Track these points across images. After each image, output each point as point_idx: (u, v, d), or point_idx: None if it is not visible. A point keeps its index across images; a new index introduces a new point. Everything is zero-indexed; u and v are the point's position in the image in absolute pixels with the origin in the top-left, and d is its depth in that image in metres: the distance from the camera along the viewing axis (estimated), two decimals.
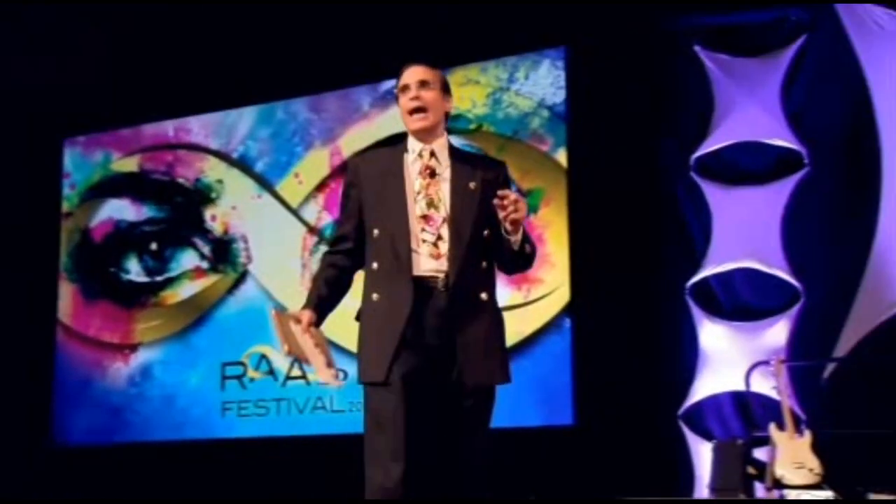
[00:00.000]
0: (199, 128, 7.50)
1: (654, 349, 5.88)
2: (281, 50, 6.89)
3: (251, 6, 6.78)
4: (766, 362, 5.37)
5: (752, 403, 5.53)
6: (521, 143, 6.42)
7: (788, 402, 5.02)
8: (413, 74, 3.09)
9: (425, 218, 3.00)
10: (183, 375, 7.21)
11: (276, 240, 7.11)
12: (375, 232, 3.04)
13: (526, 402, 6.03)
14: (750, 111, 5.88)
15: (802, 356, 5.55)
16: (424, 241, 2.98)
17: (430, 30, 6.36)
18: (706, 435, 5.71)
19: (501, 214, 2.89)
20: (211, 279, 7.28)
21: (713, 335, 5.80)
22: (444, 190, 3.04)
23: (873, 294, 5.44)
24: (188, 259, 7.38)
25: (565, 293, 6.14)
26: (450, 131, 6.70)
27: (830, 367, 5.49)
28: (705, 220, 5.92)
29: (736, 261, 5.82)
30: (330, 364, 3.03)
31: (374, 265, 3.03)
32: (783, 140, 5.80)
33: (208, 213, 7.37)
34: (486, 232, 3.02)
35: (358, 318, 3.08)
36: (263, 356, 6.96)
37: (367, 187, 3.09)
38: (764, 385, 5.45)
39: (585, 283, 6.07)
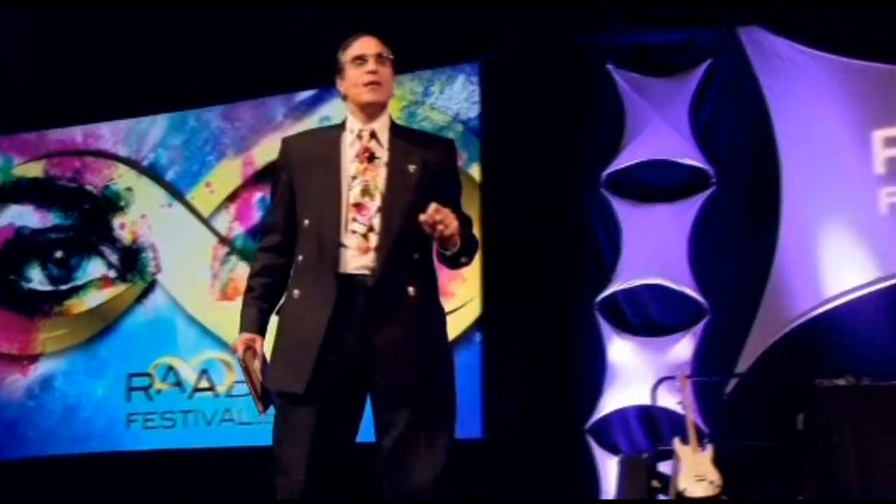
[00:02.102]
0: (109, 134, 7.36)
1: (563, 364, 5.93)
2: (194, 58, 6.80)
3: (166, 12, 6.68)
4: (671, 377, 5.47)
5: (658, 418, 5.63)
6: None
7: (692, 417, 5.12)
8: (369, 46, 2.84)
9: (357, 207, 2.71)
10: (87, 386, 7.03)
11: (186, 249, 7.00)
12: (306, 222, 2.74)
13: None
14: (660, 130, 6.00)
15: (707, 371, 5.67)
16: (354, 232, 2.69)
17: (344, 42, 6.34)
18: (613, 449, 5.78)
19: (433, 236, 2.65)
20: (119, 288, 7.13)
21: (621, 350, 5.88)
22: (381, 175, 2.75)
23: (773, 311, 5.59)
24: (95, 268, 7.22)
25: (476, 307, 6.16)
26: None
27: (732, 382, 5.61)
28: (615, 237, 6.01)
29: (644, 277, 5.92)
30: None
31: (300, 258, 2.75)
32: (691, 159, 5.92)
33: (117, 222, 7.22)
34: (420, 218, 2.68)
35: (278, 312, 2.81)
36: (171, 367, 6.84)
37: (299, 171, 2.80)
38: (670, 400, 5.55)
39: (496, 298, 6.10)
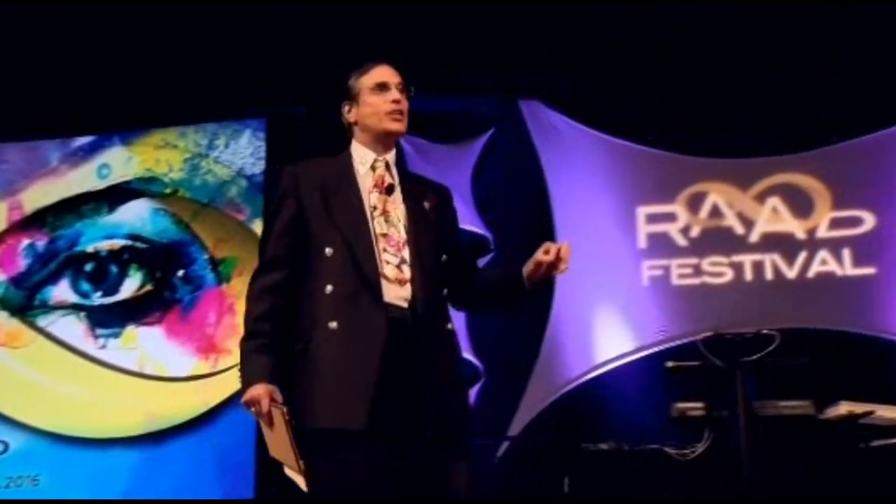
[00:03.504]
0: None
1: None
2: None
3: None
4: None
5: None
6: (217, 211, 6.33)
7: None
8: (392, 74, 2.76)
9: (385, 237, 2.61)
10: None
11: None
12: (328, 251, 2.58)
13: (208, 475, 5.88)
14: None
15: (481, 434, 5.77)
16: (388, 262, 2.58)
17: (127, 91, 6.19)
18: None
19: (553, 270, 2.61)
20: None
21: None
22: (400, 209, 2.67)
23: (545, 376, 5.78)
24: None
25: None
26: (142, 194, 6.55)
27: (504, 445, 5.74)
28: None
29: None
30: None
31: (329, 288, 2.55)
32: (472, 225, 6.07)
33: None
34: (443, 257, 2.68)
35: (300, 351, 2.55)
36: None
37: (313, 199, 2.63)
38: None
39: None
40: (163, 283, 6.29)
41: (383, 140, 2.74)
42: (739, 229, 5.79)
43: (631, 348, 5.62)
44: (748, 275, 5.72)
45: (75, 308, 6.38)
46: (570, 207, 5.92)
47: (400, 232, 2.63)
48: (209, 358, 6.10)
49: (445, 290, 2.68)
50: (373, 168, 2.71)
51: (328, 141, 5.94)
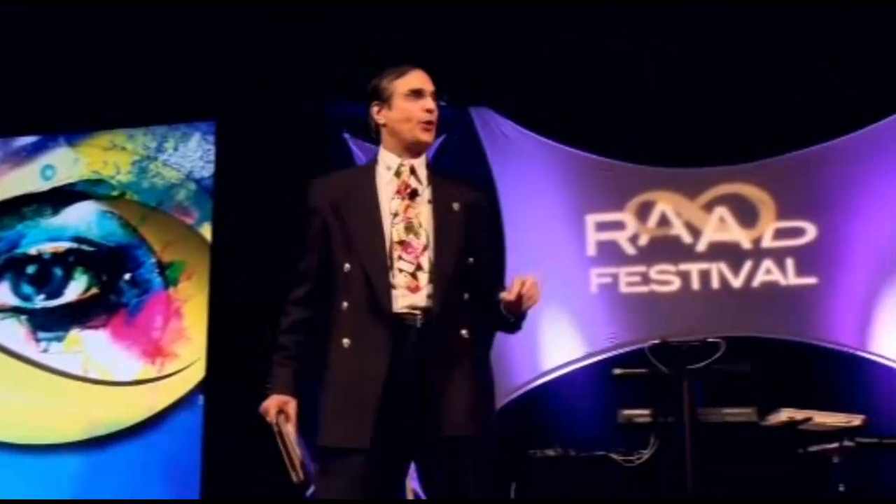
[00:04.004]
0: None
1: None
2: None
3: None
4: None
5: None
6: (165, 215, 6.28)
7: (412, 485, 5.19)
8: (428, 81, 2.69)
9: (403, 244, 2.56)
10: None
11: None
12: (346, 266, 2.57)
13: (153, 481, 5.82)
14: None
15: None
16: (401, 270, 2.54)
17: (73, 91, 6.13)
18: None
19: (522, 305, 2.52)
20: None
21: None
22: (424, 213, 2.60)
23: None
24: None
25: (200, 369, 6.01)
26: (88, 196, 6.49)
27: None
28: None
29: None
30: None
31: (345, 304, 2.56)
32: None
33: None
34: (470, 259, 2.60)
35: (321, 366, 2.60)
36: None
37: (334, 214, 2.62)
38: None
39: (221, 361, 5.98)
40: (109, 287, 6.22)
41: (411, 147, 2.67)
42: (687, 238, 5.86)
43: (579, 355, 5.66)
44: (695, 283, 5.78)
45: (16, 311, 6.29)
46: (519, 214, 5.94)
47: (420, 238, 2.58)
48: (155, 362, 6.05)
49: (467, 295, 2.60)
50: (397, 174, 2.65)
51: (274, 147, 6.03)
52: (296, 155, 6.14)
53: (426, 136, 2.66)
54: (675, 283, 5.81)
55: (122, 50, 6.09)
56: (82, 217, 6.37)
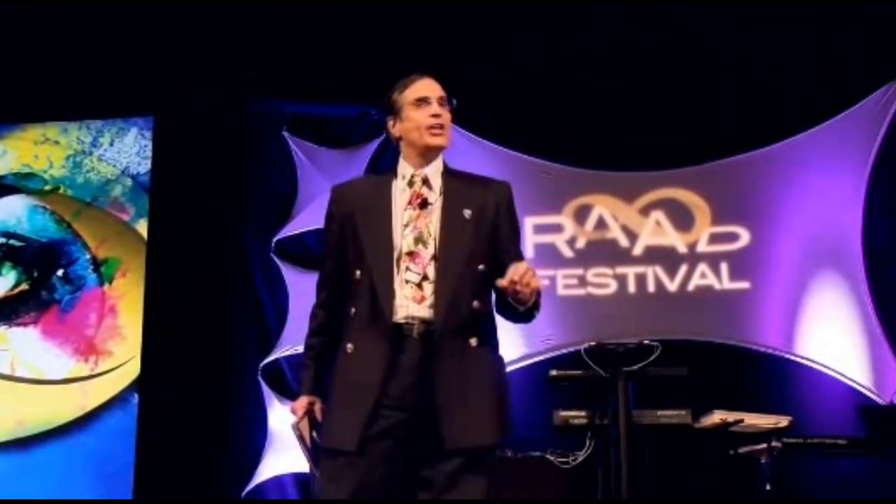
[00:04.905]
0: None
1: (223, 429, 5.83)
2: None
3: None
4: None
5: (315, 484, 5.64)
6: (100, 211, 6.19)
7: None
8: (433, 88, 2.76)
9: (411, 255, 2.61)
10: None
11: None
12: (357, 273, 2.64)
13: (84, 479, 5.74)
14: None
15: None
16: (408, 281, 2.59)
17: (1, 82, 6.02)
18: None
19: (517, 297, 2.52)
20: None
21: (281, 416, 5.88)
22: (434, 222, 2.65)
23: None
24: None
25: (135, 367, 5.94)
26: (19, 190, 6.35)
27: None
28: (282, 302, 6.03)
29: None
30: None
31: (353, 310, 2.64)
32: None
33: None
34: (480, 266, 2.63)
35: (333, 369, 2.68)
36: None
37: (350, 222, 2.69)
38: None
39: (156, 359, 5.91)
40: (40, 283, 6.10)
41: (426, 154, 2.74)
42: (624, 242, 5.93)
43: (516, 356, 5.69)
44: (631, 287, 5.86)
45: None
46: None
47: (429, 248, 2.63)
48: (88, 360, 5.95)
49: (477, 303, 2.63)
50: (410, 183, 2.72)
51: (213, 144, 5.97)
52: (233, 152, 6.10)
53: (436, 140, 2.72)
54: (612, 286, 5.88)
55: (56, 41, 5.99)
56: (11, 211, 6.25)
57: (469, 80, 5.96)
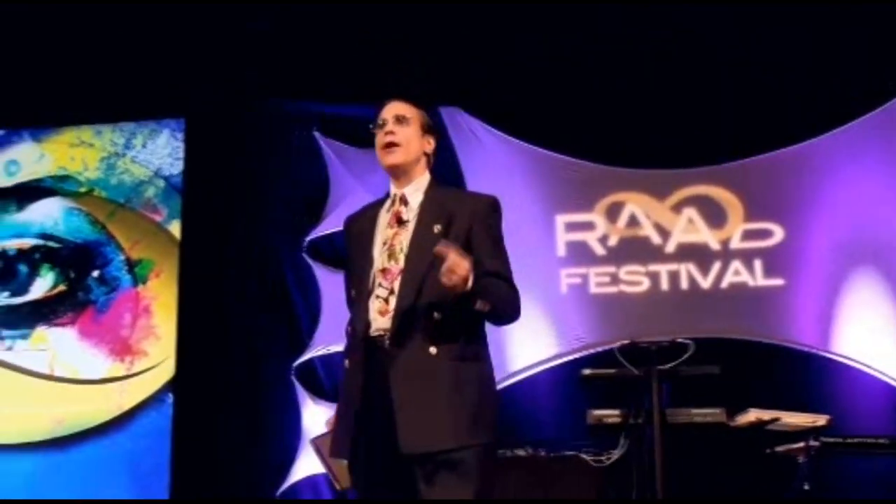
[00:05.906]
0: None
1: (257, 428, 5.86)
2: None
3: None
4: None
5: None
6: (133, 212, 6.24)
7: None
8: (390, 109, 2.85)
9: (383, 272, 2.73)
10: None
11: None
12: (353, 293, 2.80)
13: (121, 478, 5.79)
14: (362, 200, 6.10)
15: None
16: (378, 296, 2.70)
17: (39, 86, 6.08)
18: None
19: (443, 277, 2.53)
20: None
21: (315, 416, 5.89)
22: (405, 238, 2.76)
23: None
24: None
25: (169, 367, 5.98)
26: (57, 192, 6.39)
27: None
28: (314, 302, 6.04)
29: (342, 343, 5.95)
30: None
31: (349, 328, 2.80)
32: None
33: None
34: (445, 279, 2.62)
35: None
36: None
37: (350, 246, 2.89)
38: None
39: (191, 359, 5.95)
40: (76, 284, 6.17)
41: (391, 173, 2.85)
42: (656, 239, 5.89)
43: (549, 355, 5.68)
44: (664, 284, 5.82)
45: None
46: None
47: (399, 263, 2.73)
48: (124, 360, 6.01)
49: (438, 314, 2.64)
50: (393, 202, 2.83)
51: (244, 145, 6.00)
52: (265, 153, 6.13)
53: (387, 158, 2.82)
54: (645, 284, 5.85)
55: (90, 45, 6.04)
56: (49, 213, 6.31)
57: (499, 78, 5.99)
